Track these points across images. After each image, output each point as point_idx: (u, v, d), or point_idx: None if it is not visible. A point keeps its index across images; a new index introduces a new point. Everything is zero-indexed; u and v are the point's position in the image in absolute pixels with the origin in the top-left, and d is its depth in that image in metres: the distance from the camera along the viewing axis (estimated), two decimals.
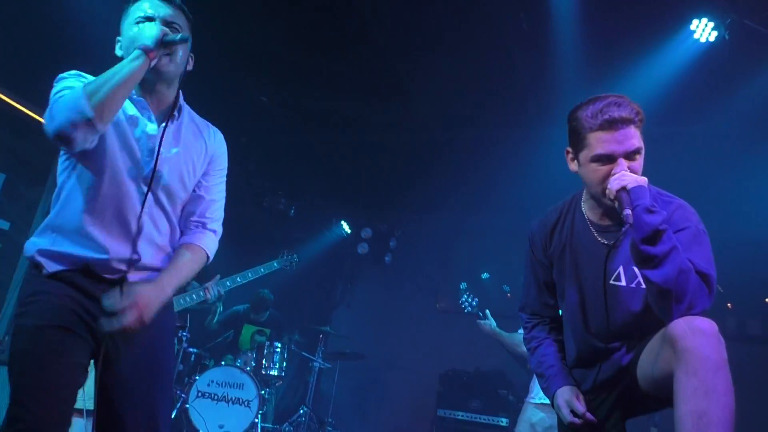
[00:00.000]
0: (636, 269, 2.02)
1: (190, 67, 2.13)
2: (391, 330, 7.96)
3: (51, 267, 1.91)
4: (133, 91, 2.00)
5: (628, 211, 1.87)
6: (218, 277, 5.12)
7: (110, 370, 1.91)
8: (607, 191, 1.97)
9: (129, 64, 1.85)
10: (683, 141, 5.19)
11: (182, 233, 2.15)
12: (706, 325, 1.76)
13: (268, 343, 6.11)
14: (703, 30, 4.01)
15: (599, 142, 1.99)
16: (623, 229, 1.89)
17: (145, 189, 1.97)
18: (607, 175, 1.99)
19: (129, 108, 2.01)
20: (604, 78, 4.58)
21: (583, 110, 2.04)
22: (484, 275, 7.73)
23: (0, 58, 5.39)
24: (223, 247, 2.28)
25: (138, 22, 2.00)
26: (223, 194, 2.26)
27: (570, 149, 2.14)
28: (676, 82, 4.48)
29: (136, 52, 1.87)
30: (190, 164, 2.11)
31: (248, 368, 5.72)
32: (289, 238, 8.02)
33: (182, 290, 4.82)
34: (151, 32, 1.92)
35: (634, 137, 1.99)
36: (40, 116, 5.92)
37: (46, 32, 5.25)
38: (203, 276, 4.61)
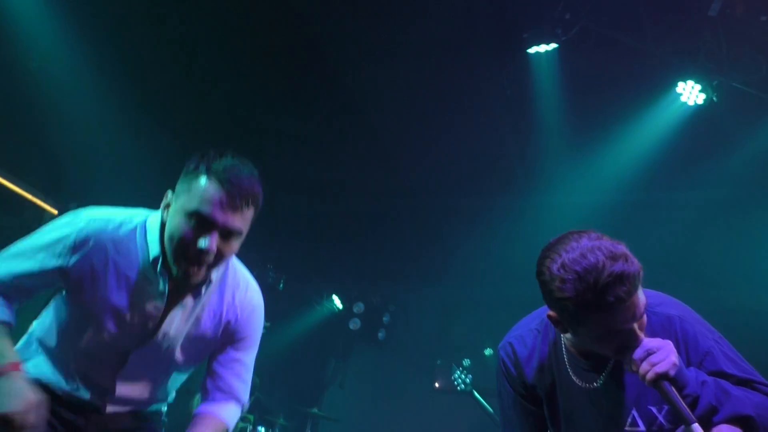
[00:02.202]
0: (653, 408, 1.72)
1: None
2: (386, 411, 7.59)
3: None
4: (155, 255, 1.78)
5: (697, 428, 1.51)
6: None
7: None
8: (636, 371, 1.60)
9: None
10: (674, 207, 5.05)
11: (207, 394, 1.97)
12: (727, 429, 1.55)
13: (250, 427, 5.75)
14: (690, 93, 3.90)
15: (602, 324, 1.57)
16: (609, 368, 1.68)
17: (138, 352, 1.85)
18: (621, 347, 1.61)
19: (148, 271, 1.79)
20: (590, 142, 4.48)
21: (562, 287, 1.55)
22: (487, 351, 7.40)
23: None
24: None
25: (190, 217, 1.68)
26: (253, 359, 2.05)
27: (554, 315, 1.68)
28: (664, 147, 4.37)
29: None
30: (203, 335, 1.92)
31: None
32: (278, 312, 7.77)
33: None
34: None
35: (639, 303, 1.56)
36: (21, 190, 5.89)
37: (31, 108, 5.28)
38: None
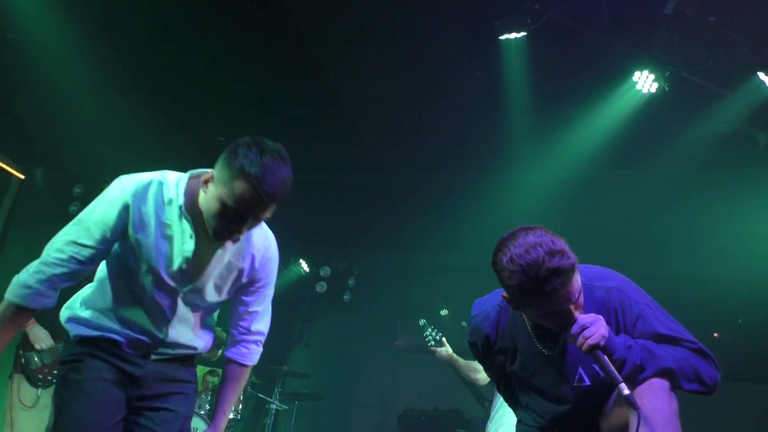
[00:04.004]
0: (595, 366, 2.02)
1: None
2: (350, 369, 7.91)
3: (86, 333, 2.18)
4: (180, 211, 2.10)
5: (627, 392, 1.81)
6: None
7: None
8: (574, 342, 1.94)
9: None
10: (628, 184, 5.42)
11: (233, 337, 2.37)
12: (657, 381, 1.89)
13: None
14: (645, 81, 4.22)
15: (542, 307, 1.90)
16: (566, 341, 1.97)
17: (178, 294, 2.17)
18: (561, 323, 1.94)
19: (179, 221, 2.11)
20: (553, 123, 4.76)
21: (510, 276, 1.86)
22: (443, 312, 7.76)
23: None
24: None
25: (227, 208, 1.95)
26: (269, 300, 2.42)
27: (507, 296, 2.00)
28: (620, 130, 4.68)
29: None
30: (225, 280, 2.23)
31: (202, 411, 5.60)
32: None
33: None
34: None
35: (574, 288, 1.87)
36: None
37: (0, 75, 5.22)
38: None
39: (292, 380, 7.27)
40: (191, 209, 2.10)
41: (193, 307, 2.24)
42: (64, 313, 2.27)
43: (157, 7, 4.69)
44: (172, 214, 2.11)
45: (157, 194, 2.11)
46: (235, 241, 2.11)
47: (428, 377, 7.04)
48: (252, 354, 2.42)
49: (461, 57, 4.70)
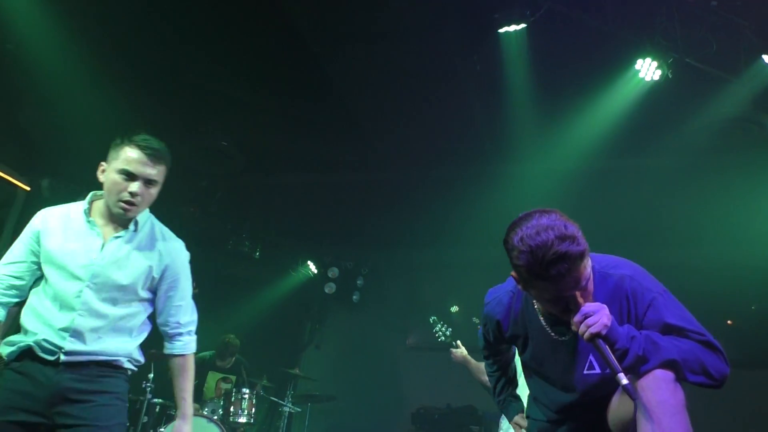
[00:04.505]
0: None
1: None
2: (362, 369, 7.89)
3: (5, 350, 2.41)
4: (85, 213, 2.47)
5: (625, 382, 1.80)
6: None
7: None
8: (577, 331, 1.92)
9: None
10: (635, 173, 5.36)
11: (167, 335, 2.63)
12: (662, 373, 1.83)
13: (235, 389, 5.99)
14: (648, 69, 4.17)
15: (547, 290, 1.89)
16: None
17: (83, 288, 2.39)
18: (565, 309, 1.92)
19: (85, 222, 2.46)
20: (556, 115, 4.72)
21: (518, 256, 1.86)
22: (453, 308, 7.74)
23: None
24: None
25: (121, 173, 2.38)
26: (188, 294, 2.66)
27: (515, 276, 1.99)
28: (625, 119, 4.64)
29: None
30: (131, 269, 2.48)
31: (216, 416, 5.59)
32: (254, 280, 7.95)
33: None
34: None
35: (582, 275, 1.85)
36: None
37: (2, 87, 5.23)
38: None
39: (304, 382, 7.25)
40: (93, 213, 2.50)
41: (99, 298, 2.43)
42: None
43: (156, 15, 4.69)
44: (77, 223, 2.48)
45: (63, 213, 2.52)
46: (136, 205, 2.42)
47: (440, 375, 7.00)
48: (188, 344, 2.67)
49: (462, 51, 4.68)
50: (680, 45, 3.99)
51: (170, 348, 2.63)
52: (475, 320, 7.58)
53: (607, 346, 1.86)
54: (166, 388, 6.02)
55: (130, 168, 2.36)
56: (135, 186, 2.38)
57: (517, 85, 4.68)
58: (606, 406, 2.07)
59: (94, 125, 5.66)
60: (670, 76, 4.15)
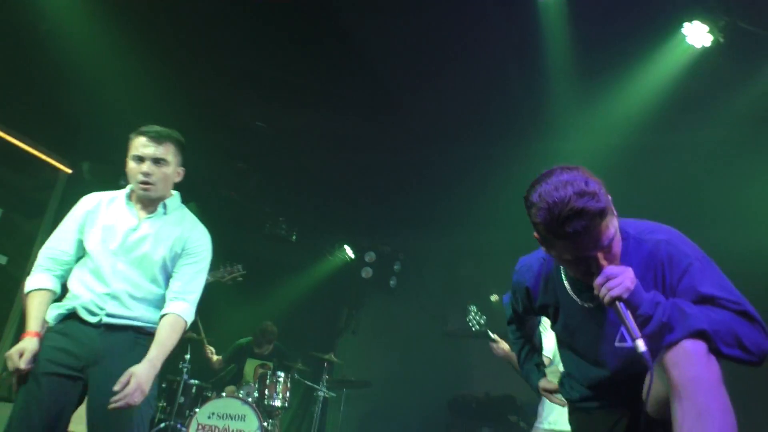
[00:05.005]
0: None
1: (179, 179, 2.86)
2: (398, 356, 7.80)
3: (52, 312, 2.66)
4: (126, 197, 2.82)
5: (643, 349, 1.68)
6: None
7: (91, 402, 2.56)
8: (598, 294, 1.80)
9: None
10: (683, 148, 5.07)
11: (168, 299, 2.77)
12: (692, 346, 1.68)
13: (270, 372, 5.98)
14: (696, 34, 3.91)
15: (567, 250, 1.79)
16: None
17: (119, 259, 2.69)
18: (587, 271, 1.82)
19: (125, 204, 2.80)
20: (598, 87, 4.50)
21: (536, 213, 1.79)
22: (493, 297, 7.57)
23: None
24: None
25: (133, 159, 2.73)
26: (199, 273, 2.85)
27: (536, 235, 1.90)
28: (671, 90, 4.38)
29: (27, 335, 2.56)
30: (159, 247, 2.76)
31: (250, 399, 5.59)
32: (291, 264, 7.93)
33: None
34: None
35: (603, 234, 1.75)
36: (36, 150, 5.99)
37: (43, 69, 5.31)
38: None
39: (339, 367, 7.21)
40: (132, 198, 2.84)
41: (132, 269, 2.70)
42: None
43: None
44: (119, 205, 2.82)
45: (109, 197, 2.87)
46: (152, 184, 2.73)
47: (479, 363, 6.87)
48: (182, 309, 2.78)
49: (498, 23, 4.50)
50: (733, 6, 3.72)
51: (165, 309, 2.75)
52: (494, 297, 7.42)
53: (628, 311, 1.74)
54: (203, 370, 6.13)
55: (138, 152, 2.72)
56: (145, 166, 2.72)
57: (556, 57, 4.48)
58: (642, 384, 1.89)
59: (132, 108, 5.73)
60: (722, 41, 3.87)
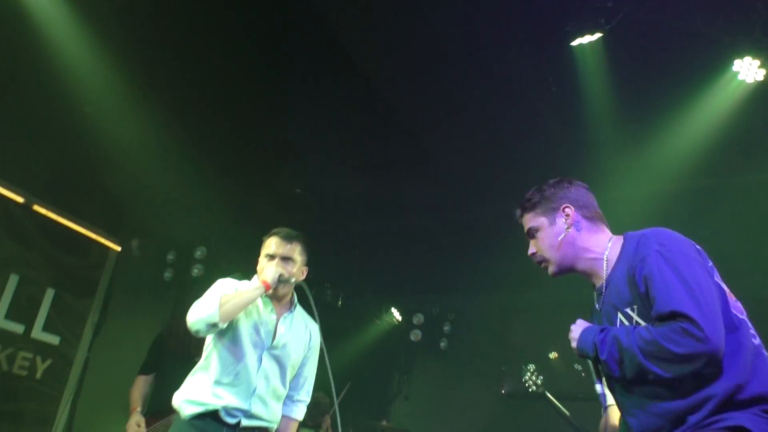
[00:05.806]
0: (627, 309, 1.93)
1: (303, 277, 2.98)
2: (454, 420, 7.47)
3: (194, 410, 2.73)
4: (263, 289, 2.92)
5: (599, 391, 2.05)
6: None
7: None
8: None
9: (252, 292, 2.75)
10: (742, 190, 4.77)
11: (291, 399, 3.00)
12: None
13: None
14: (748, 69, 3.72)
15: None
16: (601, 289, 2.02)
17: (262, 359, 2.81)
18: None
19: (261, 301, 2.89)
20: (643, 132, 4.31)
21: None
22: (552, 354, 7.22)
23: (44, 175, 5.61)
24: None
25: (265, 257, 2.90)
26: (315, 370, 3.08)
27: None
28: (725, 127, 4.15)
29: (259, 284, 2.77)
30: (296, 344, 2.93)
31: None
32: (338, 329, 7.77)
33: None
34: (270, 273, 2.79)
35: (528, 224, 2.22)
36: (85, 230, 6.10)
37: (87, 149, 5.47)
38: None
39: None
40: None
41: (274, 369, 2.84)
42: (176, 397, 2.84)
43: (226, 68, 4.78)
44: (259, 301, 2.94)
45: (241, 286, 2.94)
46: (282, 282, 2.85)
47: (538, 426, 6.47)
48: (301, 412, 3.07)
49: (534, 74, 4.41)
50: None
51: (287, 411, 2.97)
52: (577, 366, 7.05)
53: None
54: None
55: (270, 251, 2.89)
56: (274, 263, 2.87)
57: (597, 104, 4.33)
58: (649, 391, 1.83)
59: (176, 184, 5.82)
60: None
